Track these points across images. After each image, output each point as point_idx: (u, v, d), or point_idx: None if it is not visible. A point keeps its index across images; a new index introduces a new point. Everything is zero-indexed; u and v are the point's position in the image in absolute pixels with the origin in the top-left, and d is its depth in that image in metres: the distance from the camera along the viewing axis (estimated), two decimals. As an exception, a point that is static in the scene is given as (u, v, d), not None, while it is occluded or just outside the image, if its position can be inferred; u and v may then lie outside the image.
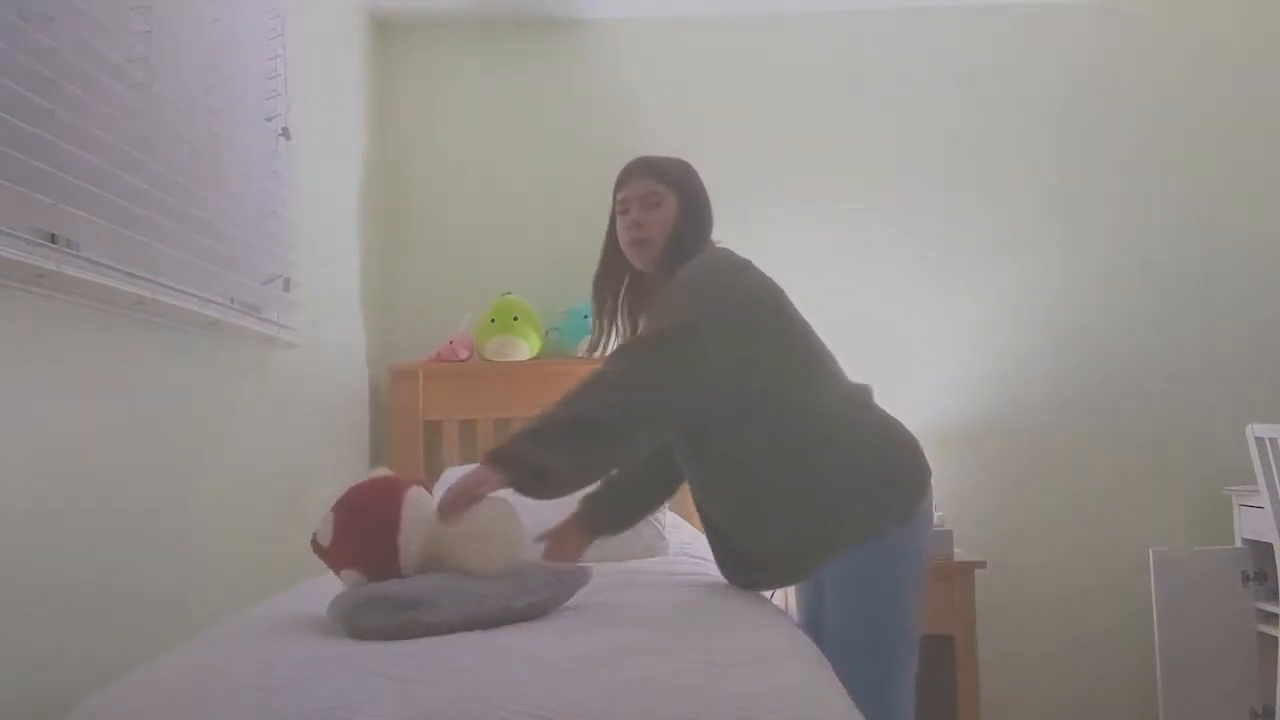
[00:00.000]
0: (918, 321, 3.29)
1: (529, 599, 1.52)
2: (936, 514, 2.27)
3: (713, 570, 2.17)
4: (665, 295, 1.74)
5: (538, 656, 1.32)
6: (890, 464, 1.75)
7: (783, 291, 1.80)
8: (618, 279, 1.93)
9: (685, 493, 3.14)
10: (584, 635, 1.44)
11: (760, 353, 1.70)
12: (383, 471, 1.62)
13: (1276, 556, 2.67)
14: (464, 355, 3.13)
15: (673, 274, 1.77)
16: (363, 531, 1.48)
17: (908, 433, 1.82)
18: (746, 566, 1.82)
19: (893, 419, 1.82)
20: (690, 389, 1.64)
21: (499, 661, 1.29)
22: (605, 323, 1.96)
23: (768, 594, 1.93)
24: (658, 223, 1.83)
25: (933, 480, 1.81)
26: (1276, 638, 2.87)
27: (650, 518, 2.35)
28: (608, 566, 2.19)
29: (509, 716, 1.12)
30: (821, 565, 1.76)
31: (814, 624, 1.86)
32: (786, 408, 1.71)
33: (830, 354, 1.82)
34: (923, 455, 1.80)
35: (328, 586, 1.92)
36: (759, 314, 1.73)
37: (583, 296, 3.17)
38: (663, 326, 1.66)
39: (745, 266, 1.79)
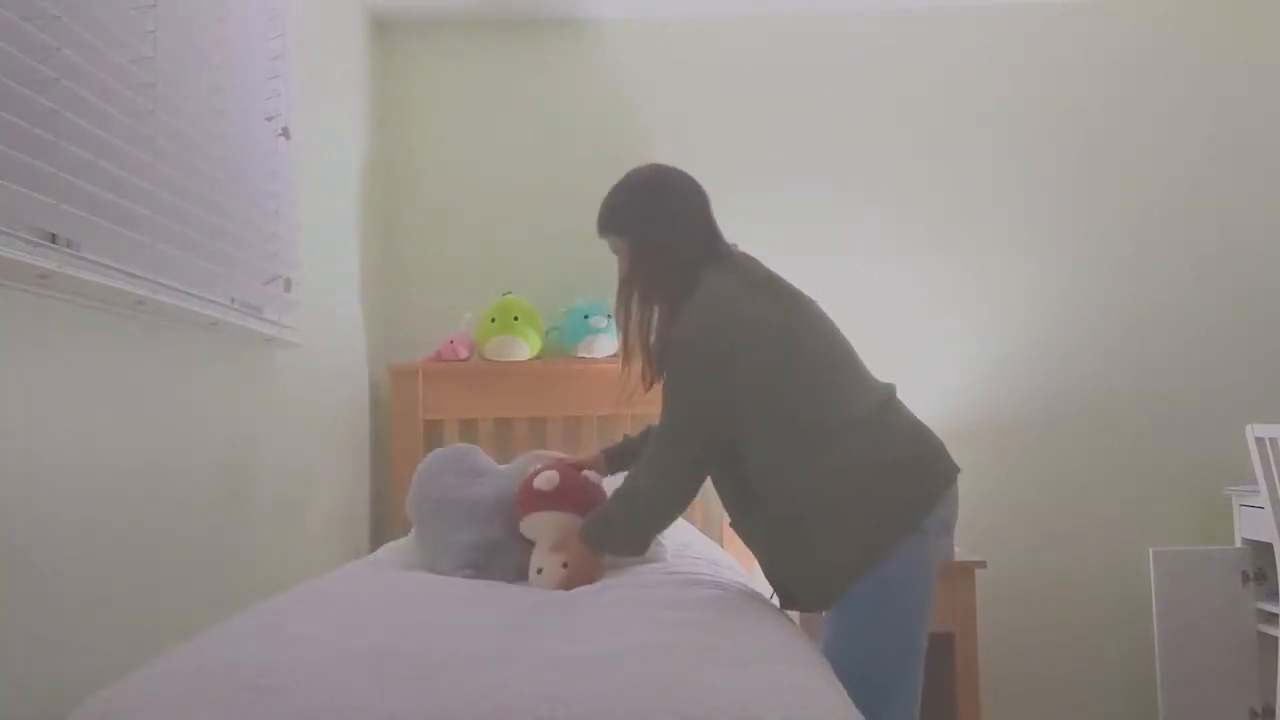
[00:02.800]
0: (916, 321, 3.29)
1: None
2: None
3: (712, 570, 2.17)
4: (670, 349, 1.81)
5: (539, 657, 1.32)
6: (893, 484, 1.71)
7: (791, 304, 1.80)
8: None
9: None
10: (586, 636, 1.44)
11: (762, 394, 1.72)
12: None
13: (1276, 556, 2.67)
14: (464, 355, 3.13)
15: (679, 298, 1.81)
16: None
17: (925, 441, 1.78)
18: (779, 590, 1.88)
19: (909, 426, 1.78)
20: (707, 463, 1.81)
21: (501, 662, 1.29)
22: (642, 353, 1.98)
23: (769, 592, 1.93)
24: (631, 273, 1.91)
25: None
26: (1276, 638, 2.87)
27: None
28: (609, 570, 2.19)
29: (510, 717, 1.12)
30: (835, 597, 1.75)
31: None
32: (792, 437, 1.71)
33: (849, 362, 1.81)
34: (937, 465, 1.76)
35: (328, 587, 1.92)
36: (754, 359, 1.72)
37: (583, 296, 3.20)
38: (666, 420, 1.80)
39: (733, 305, 1.75)
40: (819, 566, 1.73)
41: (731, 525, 1.90)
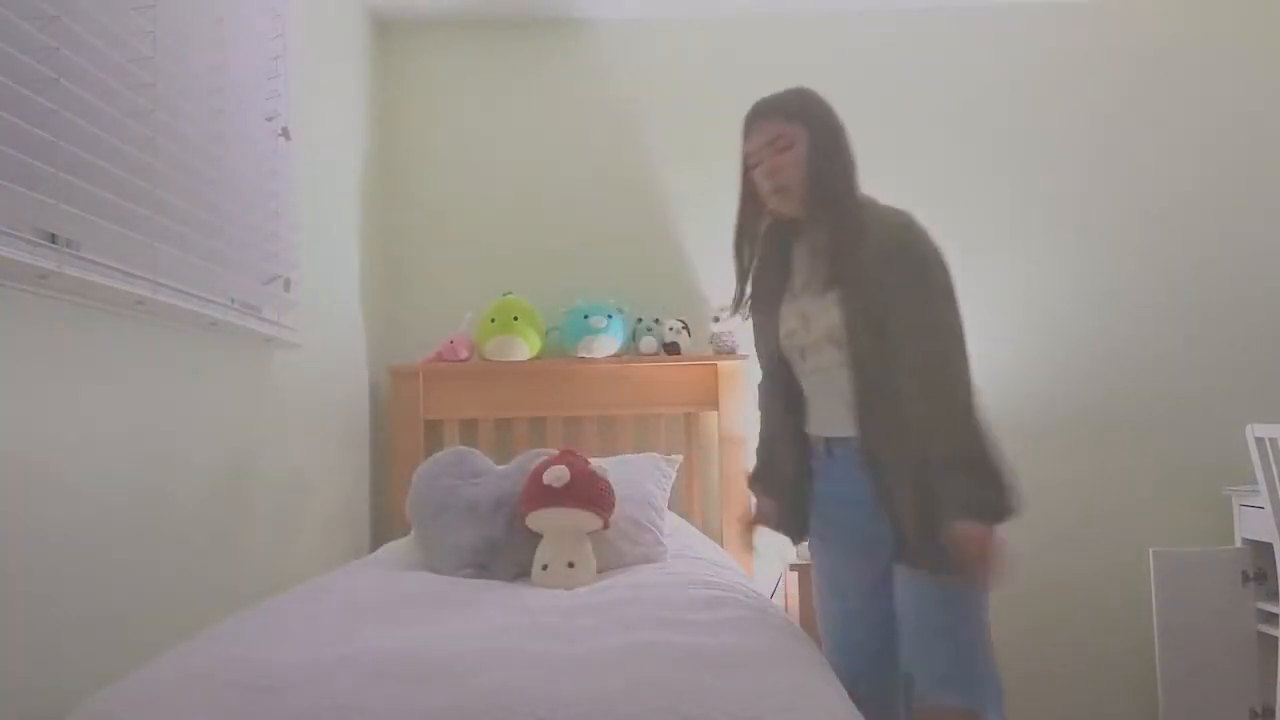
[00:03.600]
0: (918, 321, 3.29)
1: None
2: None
3: (712, 570, 2.17)
4: (885, 272, 1.70)
5: (541, 658, 1.32)
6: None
7: None
8: (755, 229, 1.89)
9: (684, 490, 3.14)
10: (587, 637, 1.45)
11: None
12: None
13: (1276, 556, 2.67)
14: (464, 355, 3.13)
15: (825, 212, 1.75)
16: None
17: None
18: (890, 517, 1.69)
19: None
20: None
21: (502, 663, 1.29)
22: (745, 273, 1.90)
23: (769, 593, 1.93)
24: (791, 166, 1.79)
25: None
26: (1276, 638, 2.87)
27: (648, 523, 2.35)
28: (610, 571, 2.19)
29: (510, 717, 1.12)
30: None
31: (875, 581, 1.78)
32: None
33: None
34: None
35: (327, 587, 1.92)
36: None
37: (583, 296, 3.20)
38: (949, 340, 1.67)
39: (924, 232, 1.78)
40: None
41: (873, 447, 1.70)
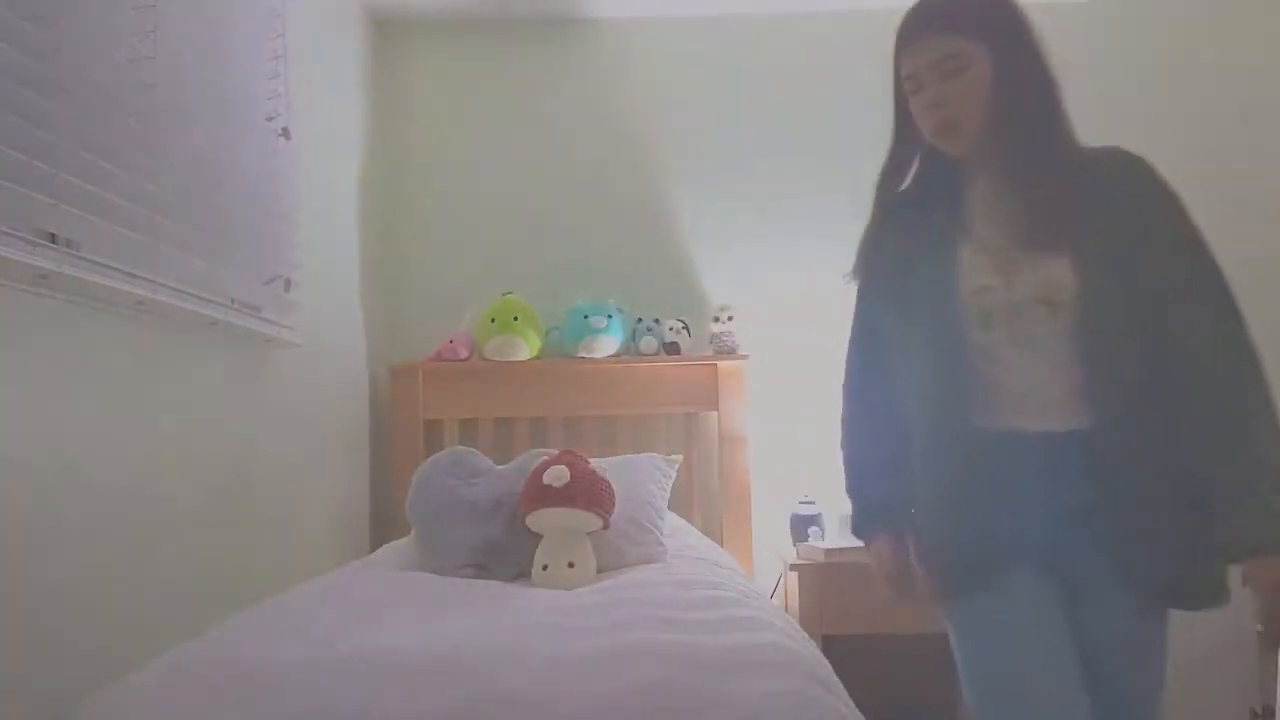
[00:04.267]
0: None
1: None
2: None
3: (712, 570, 2.17)
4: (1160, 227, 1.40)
5: (541, 658, 1.32)
6: None
7: None
8: (907, 166, 1.54)
9: (684, 490, 3.14)
10: (588, 637, 1.44)
11: None
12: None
13: (1276, 557, 2.66)
14: (464, 355, 3.13)
15: (1016, 154, 1.39)
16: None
17: None
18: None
19: None
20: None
21: (502, 663, 1.29)
22: (880, 217, 1.57)
23: (769, 593, 1.92)
24: (965, 96, 1.38)
25: None
26: (1276, 638, 2.87)
27: (648, 523, 2.35)
28: (610, 571, 2.19)
29: (510, 717, 1.12)
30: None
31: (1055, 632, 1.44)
32: None
33: None
34: None
35: (327, 587, 1.92)
36: None
37: (583, 296, 3.20)
38: (1221, 287, 1.48)
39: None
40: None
41: (1116, 444, 1.36)
